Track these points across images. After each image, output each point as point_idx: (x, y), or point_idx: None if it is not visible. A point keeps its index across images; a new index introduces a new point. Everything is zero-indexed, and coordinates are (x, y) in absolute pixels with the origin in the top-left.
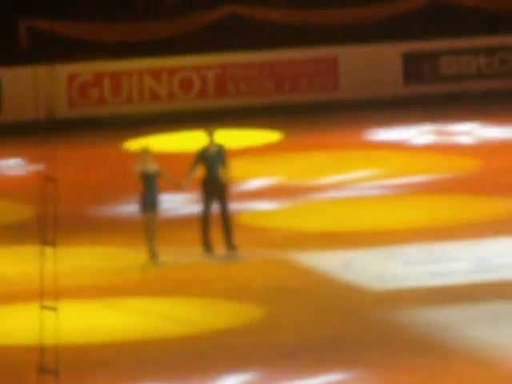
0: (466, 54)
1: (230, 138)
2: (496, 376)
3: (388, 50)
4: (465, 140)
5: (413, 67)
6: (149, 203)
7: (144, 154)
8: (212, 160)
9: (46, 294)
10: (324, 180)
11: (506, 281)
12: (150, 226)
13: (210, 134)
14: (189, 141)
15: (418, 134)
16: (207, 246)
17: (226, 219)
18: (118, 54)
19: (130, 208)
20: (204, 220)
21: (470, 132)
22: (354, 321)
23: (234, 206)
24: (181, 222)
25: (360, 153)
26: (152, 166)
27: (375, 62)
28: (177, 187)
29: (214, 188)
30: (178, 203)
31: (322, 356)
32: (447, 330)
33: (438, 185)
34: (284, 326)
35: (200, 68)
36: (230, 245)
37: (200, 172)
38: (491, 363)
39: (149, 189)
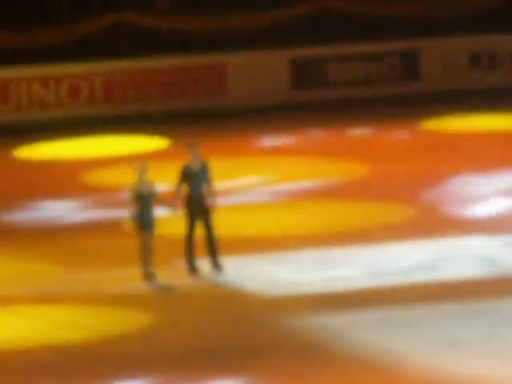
0: (353, 59)
1: (117, 144)
2: (386, 379)
3: (275, 56)
4: (353, 145)
5: (300, 74)
6: (145, 223)
7: (141, 173)
8: (195, 178)
9: None
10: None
11: (396, 285)
12: (147, 247)
13: (193, 151)
14: (77, 148)
15: (307, 139)
16: (193, 267)
17: (211, 238)
18: (5, 61)
19: (22, 216)
20: (189, 240)
21: (359, 138)
22: (246, 327)
23: (122, 212)
24: (69, 230)
25: (249, 159)
26: (148, 186)
27: (262, 69)
28: (171, 207)
29: (199, 206)
30: (65, 211)
31: (214, 362)
32: (339, 335)
33: (328, 190)
34: (176, 333)
35: (88, 75)
36: (216, 264)
37: (183, 190)
38: (382, 367)
39: (145, 209)
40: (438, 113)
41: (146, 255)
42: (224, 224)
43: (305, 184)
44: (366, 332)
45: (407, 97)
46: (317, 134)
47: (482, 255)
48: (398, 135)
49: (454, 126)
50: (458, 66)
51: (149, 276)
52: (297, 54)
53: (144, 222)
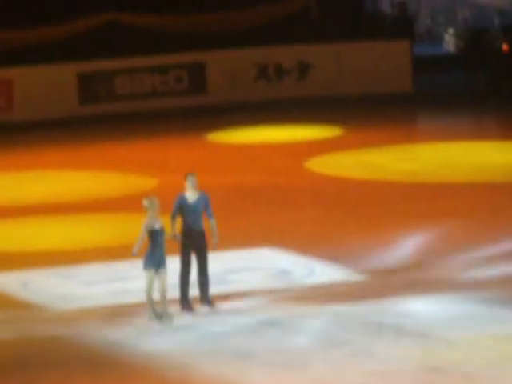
0: (140, 72)
1: None
2: None
3: (63, 70)
4: (141, 158)
5: (88, 87)
6: (156, 261)
7: (151, 208)
8: (190, 210)
9: None
10: (0, 201)
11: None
12: (160, 286)
13: (190, 181)
14: None
15: (95, 153)
16: (188, 305)
17: (203, 273)
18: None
19: None
20: (184, 277)
21: (146, 150)
22: (34, 340)
23: None
24: None
25: (36, 173)
26: (159, 222)
27: (50, 83)
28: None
29: (193, 240)
30: None
31: (3, 375)
32: (126, 346)
33: (116, 203)
34: None
35: None
36: (207, 300)
37: (178, 222)
38: (167, 377)
39: (157, 246)
40: (226, 124)
41: (161, 296)
42: (9, 238)
43: (92, 197)
44: (153, 343)
45: (194, 109)
46: (105, 148)
47: (273, 267)
48: (186, 147)
49: (241, 137)
50: (244, 78)
51: (167, 316)
52: (84, 68)
53: (155, 260)
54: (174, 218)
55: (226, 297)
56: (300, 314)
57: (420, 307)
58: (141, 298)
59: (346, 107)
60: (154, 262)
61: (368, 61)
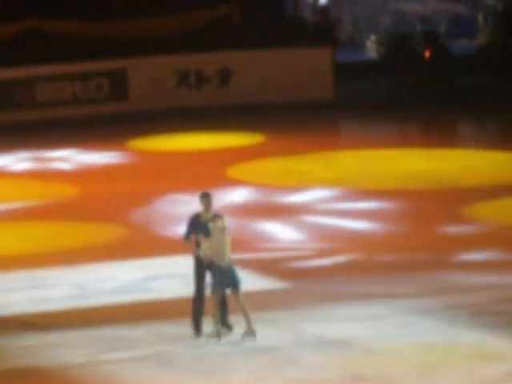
0: (60, 79)
1: None
2: None
3: None
4: (63, 166)
5: (7, 94)
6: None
7: (220, 222)
8: (204, 231)
9: None
10: None
11: (106, 305)
12: (239, 305)
13: (205, 201)
14: None
15: (15, 160)
16: (199, 328)
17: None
18: None
19: None
20: (197, 301)
21: (67, 158)
22: None
23: None
24: None
25: None
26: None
27: None
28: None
29: (207, 264)
30: None
31: None
32: (47, 355)
33: (37, 211)
34: None
35: None
36: (226, 324)
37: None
38: None
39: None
40: (147, 132)
41: (245, 315)
42: None
43: (13, 205)
44: (73, 351)
45: (115, 116)
46: (26, 156)
47: (190, 274)
48: (108, 155)
49: (162, 144)
50: (165, 85)
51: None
52: (3, 74)
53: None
54: (187, 237)
55: (146, 304)
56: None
57: (343, 316)
58: (63, 305)
59: (267, 114)
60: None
61: (290, 68)
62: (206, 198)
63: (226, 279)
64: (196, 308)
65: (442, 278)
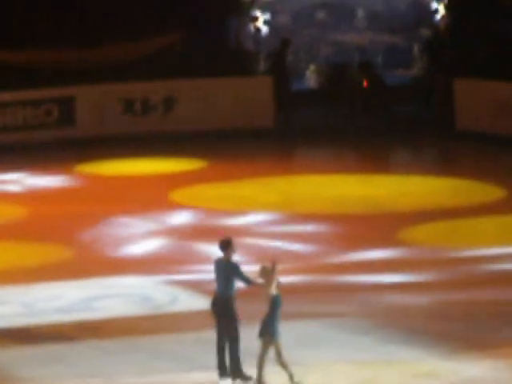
0: (11, 106)
1: None
2: None
3: None
4: (12, 188)
5: None
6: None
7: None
8: (217, 274)
9: None
10: None
11: (52, 324)
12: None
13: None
14: None
15: None
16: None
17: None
18: None
19: None
20: (217, 350)
21: (17, 181)
22: None
23: None
24: None
25: None
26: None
27: None
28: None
29: (217, 309)
30: None
31: None
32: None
33: None
34: None
35: None
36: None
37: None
38: None
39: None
40: (93, 157)
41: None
42: None
43: None
44: (21, 368)
45: (64, 142)
46: None
47: (136, 294)
48: (56, 178)
49: (108, 169)
50: (111, 112)
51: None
52: None
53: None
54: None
55: (91, 322)
56: (163, 339)
57: (279, 332)
58: (11, 323)
59: (210, 141)
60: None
61: (232, 96)
62: (231, 243)
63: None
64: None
65: (376, 299)
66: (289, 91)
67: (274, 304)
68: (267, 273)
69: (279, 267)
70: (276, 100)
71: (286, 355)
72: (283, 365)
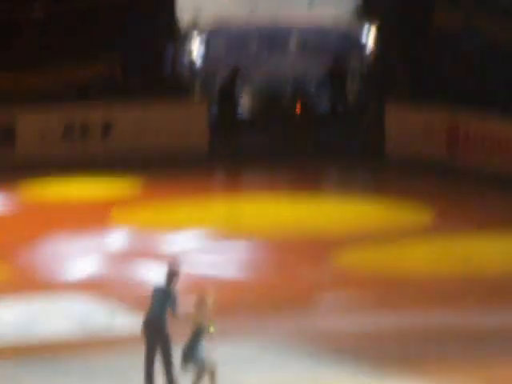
0: None
1: None
2: None
3: None
4: None
5: None
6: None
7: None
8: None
9: None
10: None
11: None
12: None
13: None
14: None
15: None
16: None
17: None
18: None
19: None
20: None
21: None
22: None
23: None
24: None
25: None
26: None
27: None
28: None
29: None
30: None
31: None
32: None
33: None
34: None
35: None
36: None
37: None
38: None
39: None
40: (33, 179)
41: None
42: None
43: None
44: None
45: (3, 165)
46: None
47: (74, 314)
48: None
49: (47, 192)
50: (52, 135)
51: None
52: None
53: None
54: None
55: (26, 344)
56: (97, 361)
57: (216, 354)
58: None
59: (146, 165)
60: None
61: (168, 121)
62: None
63: None
64: None
65: (307, 322)
66: (235, 117)
67: (199, 334)
68: (201, 303)
69: (211, 299)
70: (220, 125)
71: (222, 376)
72: None
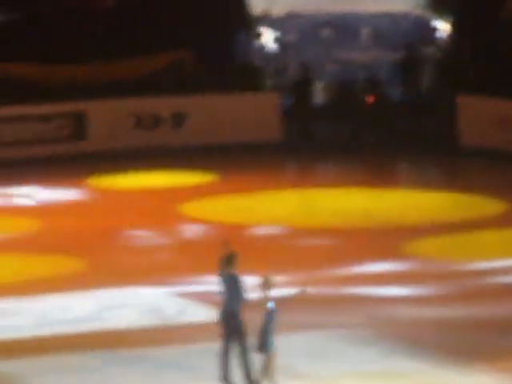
0: (22, 121)
1: None
2: None
3: None
4: (25, 202)
5: None
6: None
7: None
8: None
9: None
10: None
11: (63, 334)
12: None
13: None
14: None
15: None
16: None
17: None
18: None
19: None
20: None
21: (29, 194)
22: None
23: None
24: None
25: None
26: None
27: None
28: None
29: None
30: None
31: None
32: (14, 383)
33: (0, 244)
34: None
35: None
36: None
37: None
38: None
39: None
40: (104, 170)
41: None
42: None
43: None
44: (33, 379)
45: (75, 156)
46: None
47: (145, 305)
48: (67, 192)
49: (119, 183)
50: (122, 126)
51: None
52: None
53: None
54: None
55: (100, 333)
56: (170, 350)
57: (284, 345)
58: (23, 334)
59: (219, 155)
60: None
61: (240, 111)
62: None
63: None
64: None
65: (381, 311)
66: (310, 107)
67: (270, 316)
68: (266, 284)
69: (280, 279)
70: (294, 114)
71: (293, 368)
72: (262, 378)
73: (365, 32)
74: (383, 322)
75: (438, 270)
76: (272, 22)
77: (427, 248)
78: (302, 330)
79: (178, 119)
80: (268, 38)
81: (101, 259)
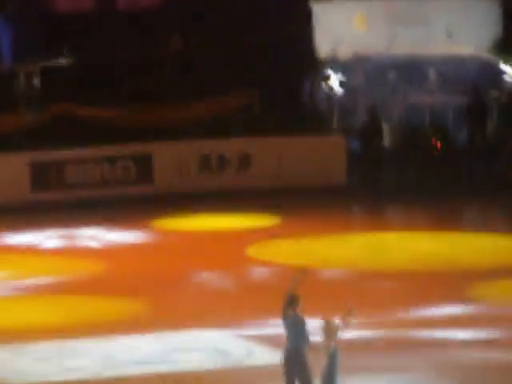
0: (89, 162)
1: None
2: None
3: (15, 159)
4: (90, 243)
5: (40, 175)
6: None
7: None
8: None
9: None
10: None
11: (129, 375)
12: None
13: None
14: None
15: (47, 238)
16: None
17: None
18: None
19: None
20: None
21: (95, 236)
22: None
23: None
24: None
25: None
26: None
27: (3, 171)
28: None
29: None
30: None
31: None
32: None
33: (65, 286)
34: None
35: None
36: None
37: None
38: None
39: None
40: (171, 213)
41: None
42: None
43: (43, 280)
44: None
45: (141, 198)
46: (55, 233)
47: (212, 347)
48: (133, 234)
49: (185, 225)
50: (188, 168)
51: None
52: (37, 157)
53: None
54: None
55: (167, 375)
56: None
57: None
58: (89, 375)
59: (284, 198)
60: None
61: (305, 154)
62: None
63: None
64: None
65: (445, 355)
66: (378, 151)
67: (333, 359)
68: (329, 328)
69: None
70: (361, 158)
71: None
72: None
73: (431, 75)
74: (448, 366)
75: (504, 313)
76: (338, 65)
77: (493, 291)
78: (366, 374)
79: (244, 161)
80: (334, 81)
81: (166, 301)
